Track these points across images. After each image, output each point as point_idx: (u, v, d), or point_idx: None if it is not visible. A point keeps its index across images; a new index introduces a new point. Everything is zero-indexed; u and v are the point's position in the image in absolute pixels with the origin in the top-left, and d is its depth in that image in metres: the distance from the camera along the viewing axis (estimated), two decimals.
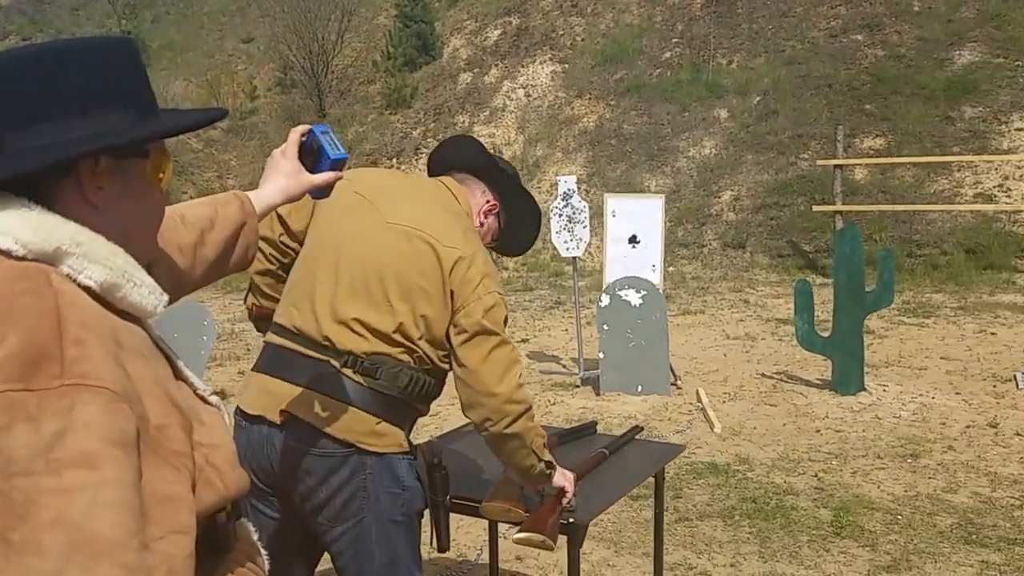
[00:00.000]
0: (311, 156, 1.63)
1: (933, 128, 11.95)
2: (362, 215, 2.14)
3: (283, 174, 1.63)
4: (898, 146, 11.85)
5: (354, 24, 18.83)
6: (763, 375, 6.72)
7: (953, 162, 11.30)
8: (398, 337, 2.05)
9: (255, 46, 20.54)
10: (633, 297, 6.05)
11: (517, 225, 2.38)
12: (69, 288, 1.03)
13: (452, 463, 2.28)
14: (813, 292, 6.24)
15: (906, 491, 4.49)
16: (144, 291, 1.13)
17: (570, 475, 2.35)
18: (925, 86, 12.39)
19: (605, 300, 6.10)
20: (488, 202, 2.30)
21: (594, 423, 3.04)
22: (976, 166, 11.34)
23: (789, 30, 14.17)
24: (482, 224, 2.29)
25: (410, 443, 2.11)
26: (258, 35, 20.51)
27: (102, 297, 1.07)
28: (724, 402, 6.05)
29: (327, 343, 2.06)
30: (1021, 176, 11.13)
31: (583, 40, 15.80)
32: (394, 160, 15.08)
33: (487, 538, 3.55)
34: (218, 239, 1.55)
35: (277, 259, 2.28)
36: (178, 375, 1.19)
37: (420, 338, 2.05)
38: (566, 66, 15.48)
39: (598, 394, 6.29)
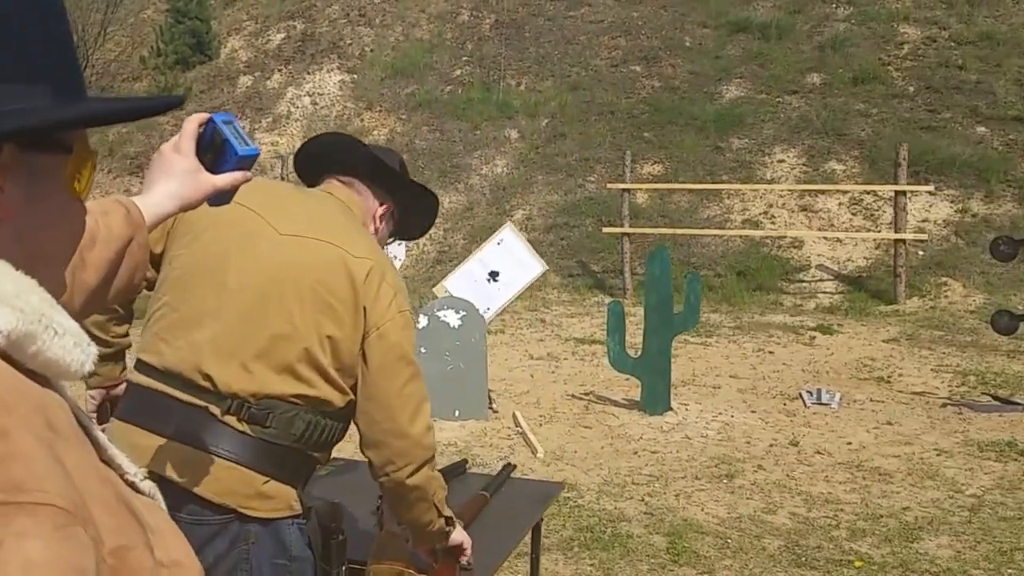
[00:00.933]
0: (211, 152, 1.33)
1: (705, 157, 12.70)
2: (251, 228, 1.81)
3: (176, 175, 1.30)
4: (674, 173, 12.49)
5: (119, 16, 17.43)
6: (573, 396, 6.74)
7: (723, 190, 12.07)
8: (302, 368, 1.74)
9: None
10: (452, 318, 5.85)
11: (412, 215, 2.13)
12: None
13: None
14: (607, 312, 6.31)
15: (729, 513, 4.59)
16: (68, 342, 0.74)
17: (464, 534, 2.12)
18: (697, 117, 13.14)
19: (423, 321, 5.86)
20: (382, 204, 2.04)
21: (464, 462, 2.81)
22: (744, 194, 12.16)
23: (574, 57, 14.60)
24: (377, 230, 2.03)
25: (303, 502, 1.79)
26: None
27: (5, 353, 0.72)
28: (541, 425, 5.99)
29: (207, 384, 1.71)
30: (783, 204, 12.06)
31: (372, 51, 15.48)
32: None
33: None
34: (101, 260, 1.22)
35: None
36: (102, 455, 0.83)
37: (328, 365, 1.75)
38: (355, 76, 15.09)
39: None
